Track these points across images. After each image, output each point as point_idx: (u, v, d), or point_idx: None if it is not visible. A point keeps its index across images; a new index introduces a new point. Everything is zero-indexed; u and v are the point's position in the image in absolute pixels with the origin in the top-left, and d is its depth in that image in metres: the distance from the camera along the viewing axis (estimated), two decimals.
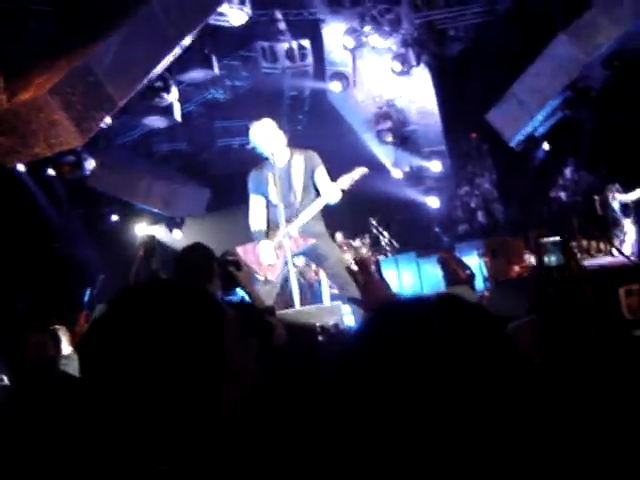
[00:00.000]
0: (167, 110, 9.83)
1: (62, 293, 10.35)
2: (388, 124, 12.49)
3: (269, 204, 6.66)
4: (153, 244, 12.48)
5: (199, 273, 4.38)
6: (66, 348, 6.36)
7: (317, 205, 6.69)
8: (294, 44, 11.40)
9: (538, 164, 12.38)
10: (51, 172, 9.92)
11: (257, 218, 6.71)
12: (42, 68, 8.38)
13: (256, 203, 6.71)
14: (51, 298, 10.10)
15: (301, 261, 9.54)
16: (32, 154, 8.63)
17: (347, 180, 6.71)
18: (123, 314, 1.36)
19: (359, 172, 6.83)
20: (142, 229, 12.43)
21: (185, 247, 4.67)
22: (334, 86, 12.03)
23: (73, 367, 5.81)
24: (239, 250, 6.72)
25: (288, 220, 6.61)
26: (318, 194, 6.82)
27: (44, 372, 5.65)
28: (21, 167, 9.99)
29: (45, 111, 8.03)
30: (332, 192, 6.64)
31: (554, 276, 5.44)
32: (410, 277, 10.61)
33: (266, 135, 6.64)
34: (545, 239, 5.61)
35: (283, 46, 11.41)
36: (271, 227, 6.66)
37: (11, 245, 10.57)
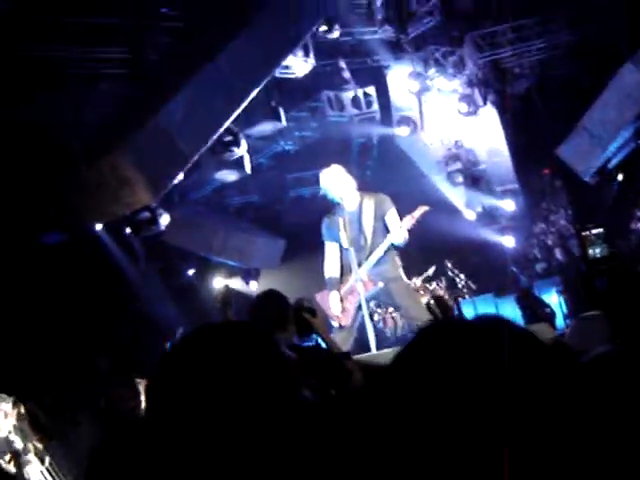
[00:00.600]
0: (238, 163, 9.99)
1: (143, 348, 10.49)
2: (458, 165, 12.45)
3: (342, 249, 6.69)
4: (229, 295, 12.61)
5: (273, 319, 4.41)
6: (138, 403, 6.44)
7: (382, 247, 6.71)
8: (359, 92, 11.50)
9: (614, 196, 12.17)
10: (128, 230, 10.13)
11: (331, 265, 6.76)
12: (116, 129, 8.62)
13: (330, 250, 6.77)
14: (132, 353, 10.24)
15: (377, 305, 9.52)
16: (109, 213, 8.86)
17: (409, 220, 6.72)
18: (186, 354, 1.39)
19: (420, 211, 6.84)
20: (219, 282, 12.57)
21: (260, 294, 4.72)
22: (401, 131, 12.07)
23: None
24: (317, 297, 6.76)
25: (359, 264, 6.63)
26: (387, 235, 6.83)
27: (127, 423, 5.72)
28: (99, 226, 10.25)
29: (119, 170, 8.23)
30: (397, 233, 6.66)
31: (600, 268, 5.31)
32: None
33: (336, 181, 6.71)
34: (588, 231, 5.49)
35: (349, 94, 11.53)
36: (345, 272, 6.69)
37: (92, 303, 10.78)
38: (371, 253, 6.75)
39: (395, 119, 12.06)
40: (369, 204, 6.83)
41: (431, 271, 11.06)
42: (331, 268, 6.78)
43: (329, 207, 6.97)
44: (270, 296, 4.62)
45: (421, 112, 12.14)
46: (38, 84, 9.08)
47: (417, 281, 10.53)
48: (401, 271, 6.92)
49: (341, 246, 6.69)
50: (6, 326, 9.54)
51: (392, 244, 6.75)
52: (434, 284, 10.90)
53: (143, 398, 6.33)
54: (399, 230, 6.66)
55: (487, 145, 12.47)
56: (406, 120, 12.07)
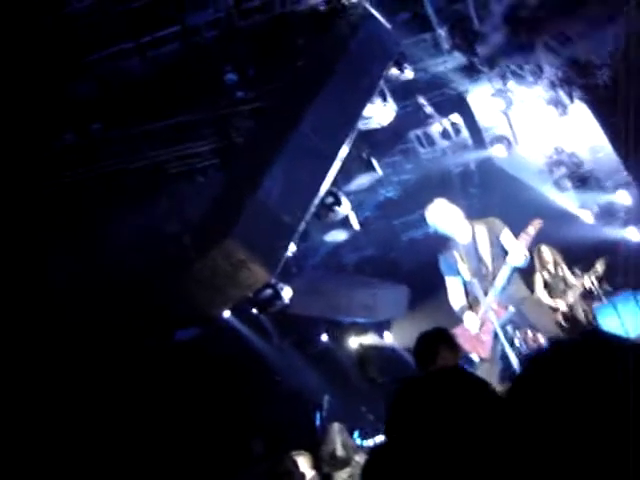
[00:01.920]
0: (344, 222, 10.05)
1: (292, 422, 10.57)
2: (562, 170, 12.19)
3: (464, 282, 6.64)
4: (367, 353, 12.65)
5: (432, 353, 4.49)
6: (308, 472, 6.48)
7: (505, 272, 6.61)
8: (445, 122, 11.47)
9: None
10: (254, 311, 10.29)
11: (457, 298, 6.71)
12: (219, 217, 8.83)
13: (453, 284, 6.73)
14: (284, 430, 10.32)
15: (514, 328, 9.34)
16: (232, 299, 9.02)
17: (525, 238, 6.62)
18: None
19: (534, 226, 6.73)
20: (353, 342, 12.61)
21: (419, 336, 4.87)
22: (497, 150, 11.92)
23: None
24: (456, 332, 6.69)
25: (485, 293, 6.55)
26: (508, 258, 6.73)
27: None
28: (226, 313, 10.44)
29: (232, 255, 8.39)
30: (516, 255, 6.56)
31: None
32: (634, 317, 10.05)
33: (442, 214, 6.69)
34: None
35: (436, 128, 11.51)
36: (471, 304, 6.63)
37: (236, 388, 10.95)
38: (494, 279, 6.68)
39: (487, 140, 11.94)
40: (481, 231, 6.79)
41: (600, 267, 10.69)
42: (458, 300, 6.74)
43: (443, 243, 6.96)
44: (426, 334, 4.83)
45: (511, 127, 11.98)
46: (143, 191, 9.46)
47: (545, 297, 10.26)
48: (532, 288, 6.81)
49: (463, 279, 6.65)
50: (166, 423, 9.79)
51: (514, 267, 6.67)
52: (569, 295, 10.57)
53: (304, 470, 6.37)
54: (517, 251, 6.58)
55: (587, 143, 12.17)
56: (499, 139, 11.92)
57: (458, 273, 6.62)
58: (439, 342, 4.86)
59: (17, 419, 8.38)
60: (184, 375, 10.63)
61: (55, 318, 8.78)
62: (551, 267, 10.53)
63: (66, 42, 8.54)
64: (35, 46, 8.24)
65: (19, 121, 8.41)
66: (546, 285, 10.52)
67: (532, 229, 6.72)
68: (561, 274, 10.67)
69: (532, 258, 7.83)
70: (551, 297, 10.38)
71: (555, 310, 9.92)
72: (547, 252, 10.53)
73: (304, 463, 6.58)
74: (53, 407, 8.83)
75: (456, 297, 6.74)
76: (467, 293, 6.68)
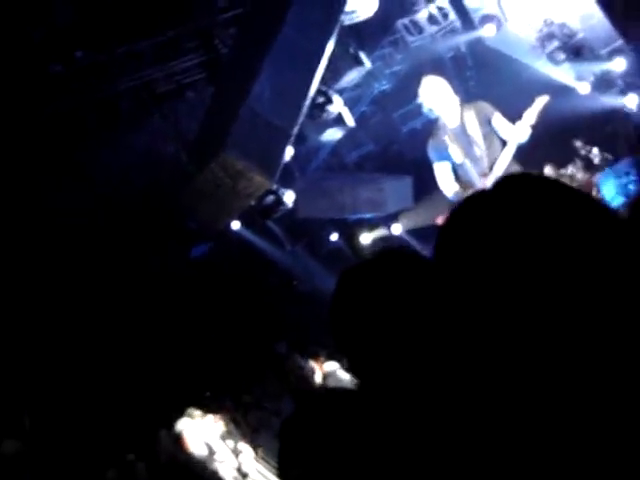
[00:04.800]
0: (338, 120, 10.03)
1: (314, 323, 10.76)
2: (555, 43, 11.97)
3: (455, 166, 6.63)
4: (378, 247, 12.75)
5: None
6: (327, 365, 6.64)
7: (510, 150, 6.59)
8: (432, 8, 11.28)
9: None
10: (261, 219, 10.37)
11: (448, 183, 6.70)
12: (213, 129, 8.84)
13: (442, 169, 6.72)
14: (305, 330, 10.53)
15: None
16: (235, 210, 9.11)
17: (532, 114, 6.56)
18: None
19: (540, 103, 6.67)
20: (364, 237, 12.71)
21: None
22: (487, 31, 11.70)
23: None
24: (441, 222, 6.72)
25: (482, 174, 6.55)
26: (502, 141, 6.71)
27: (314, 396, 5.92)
28: (236, 225, 10.55)
29: (230, 167, 8.43)
30: (519, 132, 6.52)
31: None
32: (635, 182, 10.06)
33: (434, 91, 6.61)
34: None
35: (423, 14, 11.33)
36: (463, 187, 6.63)
37: (256, 295, 11.13)
38: (492, 160, 6.66)
39: (476, 21, 11.72)
40: (469, 114, 6.75)
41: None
42: (450, 186, 6.73)
43: (431, 130, 6.94)
44: None
45: (499, 4, 11.74)
46: (135, 112, 9.45)
47: (549, 170, 10.25)
48: None
49: (452, 163, 6.63)
50: (193, 337, 10.02)
51: (518, 145, 6.65)
52: (569, 168, 10.57)
53: (318, 372, 6.53)
54: (522, 128, 6.55)
55: (577, 12, 11.93)
56: (487, 18, 11.69)
57: (448, 158, 6.61)
58: None
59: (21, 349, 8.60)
60: (203, 290, 10.82)
61: (58, 245, 8.91)
62: None
63: None
64: None
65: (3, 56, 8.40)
66: None
67: (539, 105, 6.66)
68: None
69: None
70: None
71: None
72: None
73: (319, 358, 6.74)
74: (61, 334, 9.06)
75: (447, 182, 6.72)
76: (459, 178, 6.67)
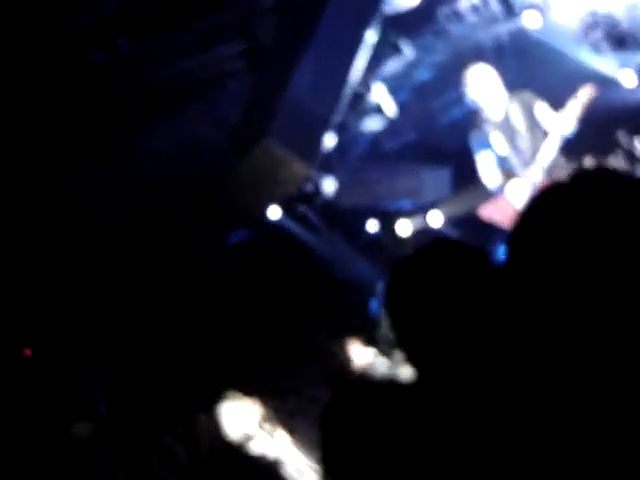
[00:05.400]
0: (379, 109, 10.04)
1: (351, 310, 10.80)
2: (598, 33, 11.85)
3: (498, 157, 6.61)
4: (417, 236, 12.75)
5: None
6: (364, 353, 6.67)
7: (553, 142, 6.54)
8: None
9: None
10: (300, 208, 10.44)
11: (491, 174, 6.69)
12: (254, 118, 8.89)
13: (485, 159, 6.71)
14: (343, 319, 10.55)
15: None
16: (274, 197, 9.18)
17: (576, 105, 6.50)
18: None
19: (585, 93, 6.59)
20: (400, 227, 12.68)
21: None
22: (529, 20, 11.60)
23: None
24: (487, 212, 6.71)
25: (525, 166, 6.52)
26: (545, 132, 6.67)
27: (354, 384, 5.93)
28: (275, 212, 10.59)
29: (272, 154, 8.50)
30: (563, 123, 6.47)
31: None
32: None
33: (481, 80, 6.56)
34: None
35: (464, 4, 11.24)
36: (506, 178, 6.60)
37: (292, 283, 11.19)
38: (535, 151, 6.63)
39: (518, 10, 11.61)
40: (513, 105, 6.72)
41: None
42: (493, 177, 6.72)
43: (476, 121, 6.92)
44: None
45: None
46: (176, 101, 9.53)
47: (589, 161, 10.15)
48: None
49: (495, 154, 6.61)
50: (232, 322, 10.12)
51: (563, 137, 6.61)
52: (611, 160, 10.46)
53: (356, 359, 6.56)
54: (566, 119, 6.51)
55: (622, 2, 11.79)
56: (530, 7, 11.58)
57: (491, 148, 6.59)
58: None
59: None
60: (241, 276, 10.89)
61: (98, 235, 9.04)
62: None
63: None
64: None
65: (45, 46, 8.51)
66: None
67: (584, 96, 6.60)
68: None
69: None
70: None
71: None
72: None
73: (357, 345, 6.78)
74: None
75: (490, 173, 6.70)
76: (501, 169, 6.65)
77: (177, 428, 7.14)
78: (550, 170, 6.58)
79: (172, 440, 6.92)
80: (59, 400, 7.50)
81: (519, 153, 6.55)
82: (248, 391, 7.80)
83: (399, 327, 1.64)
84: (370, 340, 7.54)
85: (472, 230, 11.92)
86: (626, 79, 12.48)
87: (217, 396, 7.08)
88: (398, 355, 7.39)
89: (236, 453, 6.10)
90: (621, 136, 11.09)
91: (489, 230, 7.39)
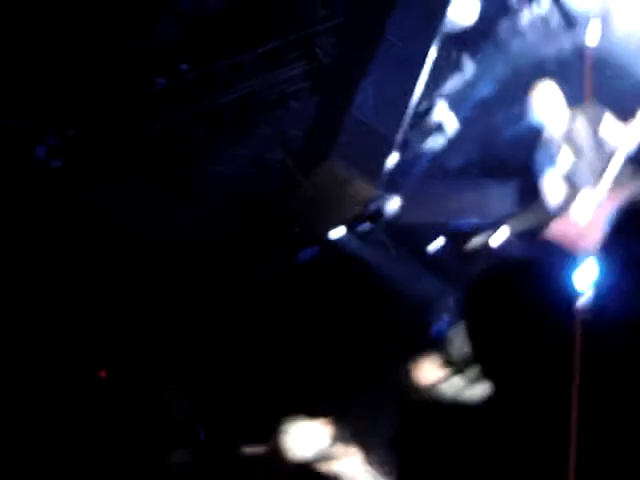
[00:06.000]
0: (441, 127, 10.04)
1: (421, 327, 10.75)
2: None
3: (562, 176, 6.53)
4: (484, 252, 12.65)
5: None
6: (436, 372, 6.63)
7: (620, 157, 6.43)
8: (534, 11, 11.13)
9: None
10: (365, 226, 10.46)
11: (557, 192, 6.61)
12: (318, 137, 8.97)
13: (551, 177, 6.63)
14: (413, 335, 10.50)
15: None
16: (341, 217, 9.23)
17: (638, 123, 6.39)
18: None
19: None
20: (471, 242, 12.58)
21: None
22: (591, 33, 11.47)
23: None
24: (552, 231, 6.60)
25: (592, 182, 6.42)
26: (611, 148, 6.57)
27: None
28: (341, 231, 10.60)
29: (336, 174, 8.56)
30: (630, 138, 6.36)
31: None
32: None
33: (546, 98, 6.51)
34: None
35: (524, 18, 11.19)
36: (572, 195, 6.52)
37: (360, 303, 11.18)
38: (602, 166, 6.52)
39: (581, 24, 11.50)
40: (579, 120, 6.65)
41: None
42: (558, 194, 6.64)
43: (540, 137, 6.85)
44: None
45: (606, 9, 11.47)
46: (240, 123, 9.66)
47: None
48: None
49: (562, 172, 6.54)
50: (300, 341, 10.17)
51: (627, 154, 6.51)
52: None
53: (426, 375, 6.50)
54: (632, 134, 6.40)
55: None
56: (593, 23, 11.45)
57: (556, 165, 6.53)
58: None
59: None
60: (308, 296, 10.92)
61: (168, 261, 9.17)
62: None
63: None
64: None
65: (108, 71, 8.72)
66: None
67: None
68: None
69: None
70: None
71: None
72: None
73: (429, 365, 6.75)
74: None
75: (555, 191, 6.63)
76: (567, 185, 6.57)
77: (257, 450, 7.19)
78: (616, 185, 6.48)
79: (253, 462, 6.98)
80: (154, 426, 7.57)
81: (585, 169, 6.46)
82: (319, 412, 7.83)
83: (477, 344, 1.67)
84: (440, 358, 7.50)
85: (538, 247, 11.79)
86: None
87: (290, 417, 7.12)
88: (470, 374, 7.35)
89: (312, 474, 6.12)
90: None
91: (554, 247, 7.32)
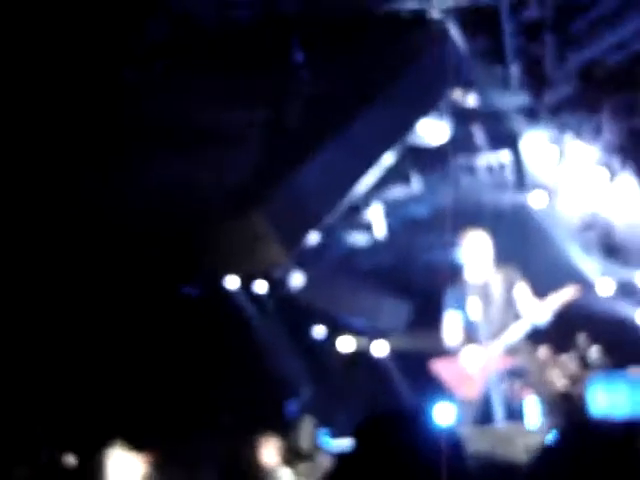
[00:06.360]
0: (369, 227, 10.13)
1: (268, 404, 10.63)
2: (592, 235, 12.13)
3: (465, 320, 6.62)
4: (359, 357, 12.73)
5: None
6: (273, 458, 6.52)
7: (523, 325, 6.57)
8: (493, 158, 11.42)
9: None
10: (260, 288, 10.37)
11: (454, 333, 6.69)
12: (254, 188, 8.90)
13: (453, 318, 6.71)
14: (255, 409, 10.36)
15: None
16: (243, 269, 9.12)
17: (556, 301, 6.54)
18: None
19: (569, 293, 6.63)
20: (344, 342, 12.64)
21: None
22: (535, 199, 11.85)
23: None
24: (438, 367, 6.69)
25: (491, 338, 6.52)
26: (518, 313, 6.70)
27: None
28: (233, 284, 10.48)
29: (257, 228, 8.49)
30: (539, 313, 6.49)
31: None
32: (621, 397, 10.02)
33: (476, 246, 6.64)
34: None
35: (482, 160, 11.47)
36: (466, 342, 6.60)
37: (220, 355, 11.01)
38: (503, 327, 6.63)
39: (528, 187, 11.88)
40: (496, 276, 6.78)
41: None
42: (455, 336, 6.73)
43: (455, 276, 6.95)
44: None
45: (555, 179, 11.89)
46: (180, 146, 9.50)
47: (543, 351, 10.25)
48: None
49: (465, 317, 6.63)
50: (135, 375, 9.90)
51: (533, 325, 6.63)
52: (564, 356, 10.59)
53: (269, 457, 6.42)
54: (543, 310, 6.53)
55: (626, 216, 12.09)
56: (540, 187, 11.85)
57: (463, 309, 6.62)
58: None
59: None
60: (178, 328, 10.68)
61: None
62: None
63: None
64: None
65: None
66: None
67: (568, 295, 6.65)
68: None
69: None
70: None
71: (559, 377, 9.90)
72: None
73: (271, 447, 6.65)
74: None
75: (453, 332, 6.71)
76: (465, 332, 6.66)
77: None
78: (509, 350, 6.60)
79: None
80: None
81: (487, 323, 6.55)
82: (143, 445, 7.58)
83: None
84: (281, 442, 7.41)
85: (410, 369, 11.94)
86: (604, 287, 12.69)
87: (110, 443, 6.90)
88: (302, 467, 7.27)
89: None
90: (581, 339, 11.24)
91: (428, 377, 7.35)
